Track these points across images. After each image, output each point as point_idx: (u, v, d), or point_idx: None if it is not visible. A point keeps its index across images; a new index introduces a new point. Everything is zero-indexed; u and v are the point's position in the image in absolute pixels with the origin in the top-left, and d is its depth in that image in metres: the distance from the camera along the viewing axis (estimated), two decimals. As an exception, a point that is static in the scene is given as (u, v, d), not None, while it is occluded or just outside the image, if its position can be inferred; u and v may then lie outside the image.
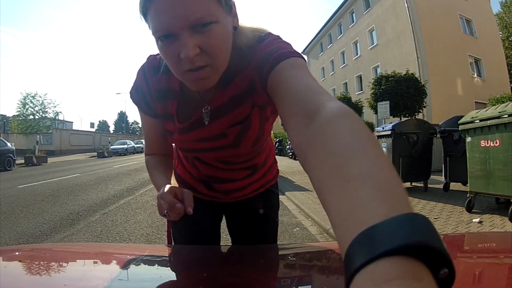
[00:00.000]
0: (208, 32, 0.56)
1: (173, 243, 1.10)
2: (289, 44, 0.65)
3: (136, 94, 0.78)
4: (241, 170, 0.93)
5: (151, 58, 0.76)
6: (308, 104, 0.45)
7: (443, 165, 5.69)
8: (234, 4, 0.64)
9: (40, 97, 25.60)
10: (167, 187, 0.71)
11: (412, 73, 11.51)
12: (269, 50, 0.62)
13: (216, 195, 0.99)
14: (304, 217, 4.51)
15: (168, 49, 0.57)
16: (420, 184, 6.05)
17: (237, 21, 0.66)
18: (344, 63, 25.28)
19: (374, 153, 0.32)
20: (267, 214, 1.07)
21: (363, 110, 15.59)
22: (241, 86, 0.70)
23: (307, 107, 0.45)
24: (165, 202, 0.67)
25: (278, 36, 0.68)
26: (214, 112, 0.74)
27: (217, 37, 0.57)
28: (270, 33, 0.69)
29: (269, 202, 1.08)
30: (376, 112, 11.01)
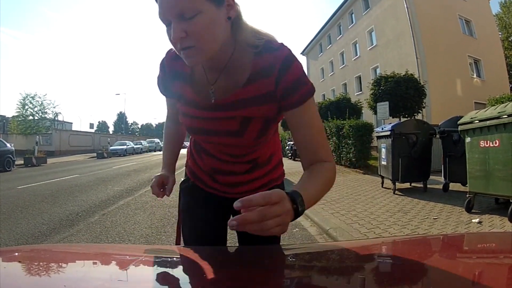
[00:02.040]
0: (192, 20, 0.69)
1: (182, 240, 1.12)
2: (303, 69, 0.82)
3: (159, 82, 0.97)
4: (241, 164, 0.98)
5: (170, 50, 0.90)
6: (315, 156, 0.83)
7: (442, 165, 5.70)
8: None
9: (40, 97, 25.56)
10: (158, 176, 1.02)
11: (411, 74, 11.53)
12: (297, 79, 0.79)
13: (219, 187, 1.04)
14: (304, 218, 4.51)
15: (168, 33, 0.72)
16: (420, 185, 6.05)
17: (234, 12, 0.76)
18: (343, 64, 25.30)
19: (322, 186, 0.79)
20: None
21: (362, 111, 15.60)
22: (260, 90, 0.82)
23: (314, 157, 0.83)
24: (154, 188, 1.02)
25: (287, 47, 0.82)
26: (231, 103, 0.84)
27: (200, 25, 0.69)
28: (278, 42, 0.82)
29: None
30: (375, 113, 11.02)
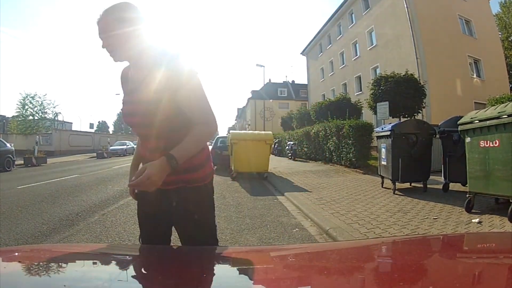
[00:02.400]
0: (112, 36, 1.17)
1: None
2: (187, 62, 1.19)
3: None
4: (155, 153, 1.21)
5: (123, 68, 1.37)
6: (197, 120, 1.19)
7: (442, 165, 5.70)
8: (135, 16, 1.19)
9: (40, 97, 25.60)
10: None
11: (411, 74, 11.51)
12: (180, 68, 1.17)
13: None
14: (304, 218, 4.51)
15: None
16: (420, 185, 6.05)
17: (137, 24, 1.18)
18: (343, 64, 25.25)
19: (194, 143, 1.18)
20: (182, 209, 1.25)
21: (362, 111, 15.58)
22: (158, 77, 1.18)
23: (196, 121, 1.19)
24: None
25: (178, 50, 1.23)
26: (142, 83, 1.23)
27: (114, 38, 1.17)
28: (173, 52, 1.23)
29: (185, 199, 1.25)
30: (375, 113, 11.01)
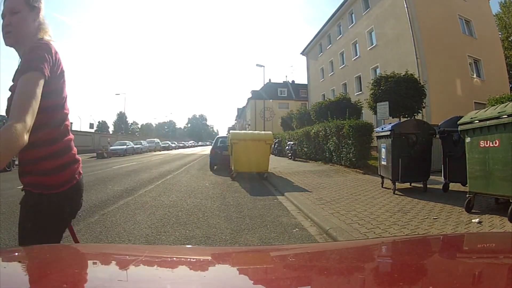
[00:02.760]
0: (15, 16, 1.19)
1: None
2: (42, 55, 1.15)
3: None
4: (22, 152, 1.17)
5: None
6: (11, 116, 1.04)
7: (442, 165, 5.70)
8: (39, 6, 1.24)
9: (40, 97, 25.48)
10: None
11: (411, 74, 11.51)
12: (28, 59, 1.13)
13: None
14: (304, 218, 4.51)
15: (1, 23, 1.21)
16: (420, 185, 6.05)
17: (38, 17, 1.24)
18: (343, 64, 25.26)
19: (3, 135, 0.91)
20: (23, 210, 1.25)
21: (362, 111, 15.58)
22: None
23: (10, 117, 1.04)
24: None
25: (46, 43, 1.21)
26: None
27: (16, 19, 1.19)
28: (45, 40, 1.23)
29: (25, 201, 1.25)
30: (375, 113, 11.01)
